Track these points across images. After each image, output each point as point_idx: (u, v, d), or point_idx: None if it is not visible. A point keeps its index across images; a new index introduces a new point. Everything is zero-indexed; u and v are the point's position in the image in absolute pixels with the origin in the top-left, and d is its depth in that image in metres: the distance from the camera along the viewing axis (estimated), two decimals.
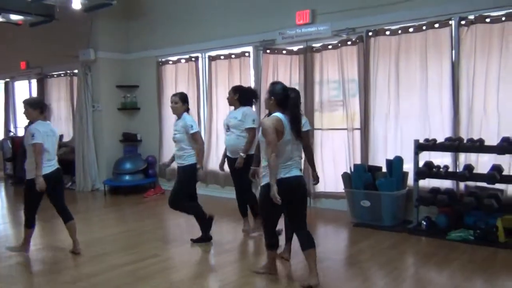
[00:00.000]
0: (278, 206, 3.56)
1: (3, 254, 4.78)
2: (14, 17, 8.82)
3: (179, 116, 4.94)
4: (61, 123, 10.15)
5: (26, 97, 5.38)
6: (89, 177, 8.65)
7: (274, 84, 3.85)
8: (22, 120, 11.06)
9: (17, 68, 10.52)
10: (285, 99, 3.69)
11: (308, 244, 3.66)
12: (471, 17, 5.21)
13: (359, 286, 3.80)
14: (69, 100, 9.74)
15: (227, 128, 5.26)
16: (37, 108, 4.69)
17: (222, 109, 7.36)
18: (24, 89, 11.10)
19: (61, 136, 9.99)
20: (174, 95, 5.05)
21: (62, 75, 9.90)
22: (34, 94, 10.65)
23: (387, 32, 5.82)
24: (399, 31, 5.72)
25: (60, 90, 10.07)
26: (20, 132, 10.96)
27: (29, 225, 4.70)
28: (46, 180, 4.45)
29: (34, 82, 10.65)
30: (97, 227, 6.12)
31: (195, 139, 4.87)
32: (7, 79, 11.27)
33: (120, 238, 4.85)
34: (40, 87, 10.37)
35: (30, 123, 4.75)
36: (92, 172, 8.69)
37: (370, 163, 5.98)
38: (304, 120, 4.22)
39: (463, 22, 5.25)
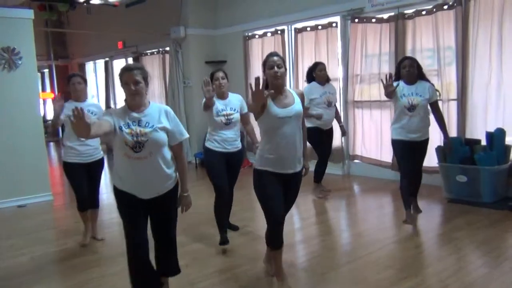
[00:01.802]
0: None
1: (108, 221, 5.21)
2: None
3: (225, 95, 4.27)
4: (154, 99, 10.68)
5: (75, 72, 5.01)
6: None
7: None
8: (121, 97, 11.81)
9: (115, 47, 11.18)
10: None
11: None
12: None
13: (454, 264, 3.63)
14: (162, 77, 10.20)
15: (329, 104, 5.67)
16: None
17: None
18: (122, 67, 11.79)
19: None
20: (222, 71, 4.30)
21: (155, 53, 10.36)
22: None
23: None
24: None
25: (153, 67, 10.56)
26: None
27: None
28: None
29: (130, 60, 11.26)
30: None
31: (247, 120, 4.39)
32: (107, 59, 12.04)
33: (211, 209, 5.04)
34: None
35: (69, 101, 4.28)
36: (183, 146, 9.09)
37: (468, 136, 5.61)
38: None
39: None
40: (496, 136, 5.16)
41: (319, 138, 5.67)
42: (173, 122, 2.84)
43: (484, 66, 5.49)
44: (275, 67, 3.08)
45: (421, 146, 4.62)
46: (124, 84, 2.71)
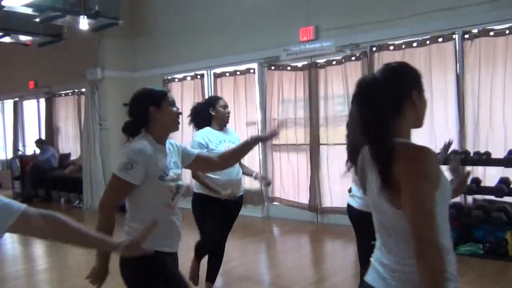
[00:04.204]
0: None
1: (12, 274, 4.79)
2: (23, 38, 9.01)
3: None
4: (68, 141, 10.27)
5: None
6: (96, 195, 8.68)
7: None
8: (30, 139, 11.17)
9: (26, 87, 10.67)
10: None
11: None
12: (475, 30, 5.23)
13: None
14: (77, 119, 9.85)
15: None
16: None
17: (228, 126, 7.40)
18: (33, 108, 11.24)
19: (68, 154, 10.10)
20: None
21: (69, 94, 10.04)
22: (43, 113, 10.78)
23: (391, 47, 5.86)
24: (403, 46, 5.75)
25: (68, 108, 10.20)
26: (29, 151, 11.05)
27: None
28: None
29: (42, 101, 10.79)
30: None
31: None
32: (16, 99, 11.42)
33: None
34: (48, 106, 10.51)
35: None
36: (99, 190, 8.70)
37: None
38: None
39: (466, 36, 5.27)
40: None
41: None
42: None
43: None
44: None
45: None
46: None
